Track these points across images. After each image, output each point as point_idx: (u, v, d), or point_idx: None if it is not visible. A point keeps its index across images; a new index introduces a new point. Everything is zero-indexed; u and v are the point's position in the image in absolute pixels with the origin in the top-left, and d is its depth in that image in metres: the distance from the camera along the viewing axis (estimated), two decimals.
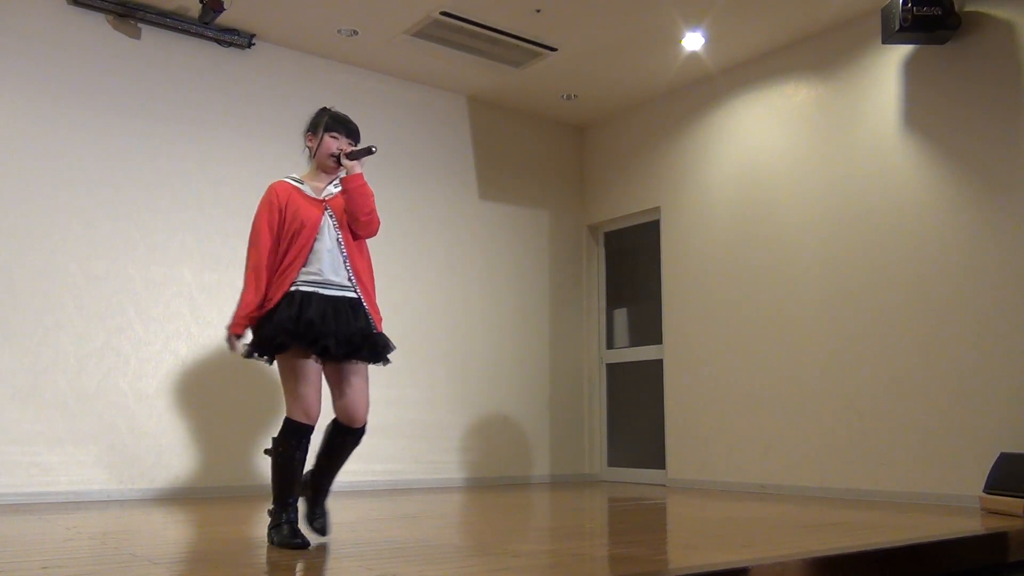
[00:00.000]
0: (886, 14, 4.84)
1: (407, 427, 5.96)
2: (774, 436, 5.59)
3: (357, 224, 3.11)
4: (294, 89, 5.87)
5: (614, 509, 4.91)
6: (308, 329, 2.94)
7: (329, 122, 3.17)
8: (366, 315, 3.08)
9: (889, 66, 5.20)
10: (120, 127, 5.23)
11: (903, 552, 2.93)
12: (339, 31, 5.63)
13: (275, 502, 3.01)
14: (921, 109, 5.05)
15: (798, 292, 5.56)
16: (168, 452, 5.13)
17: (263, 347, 3.00)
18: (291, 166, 5.78)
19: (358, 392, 3.10)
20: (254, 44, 5.70)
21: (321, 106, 3.29)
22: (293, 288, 3.01)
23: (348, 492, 5.32)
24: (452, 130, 6.61)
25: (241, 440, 5.37)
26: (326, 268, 3.04)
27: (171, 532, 3.80)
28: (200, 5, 5.11)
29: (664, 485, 6.24)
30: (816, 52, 5.62)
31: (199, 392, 5.29)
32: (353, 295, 3.09)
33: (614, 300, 7.13)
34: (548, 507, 5.03)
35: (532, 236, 6.91)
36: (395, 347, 3.17)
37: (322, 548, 3.02)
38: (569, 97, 6.71)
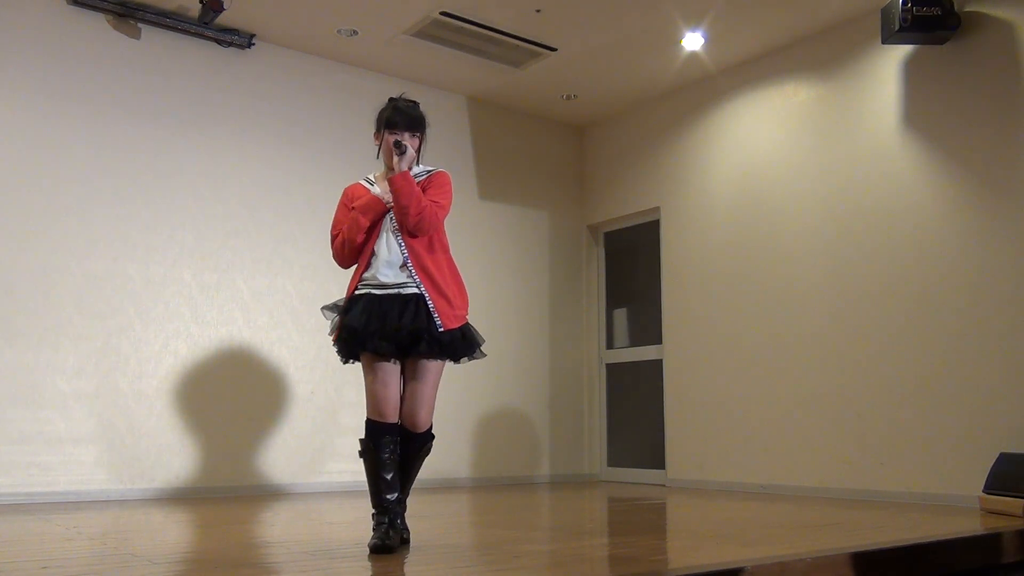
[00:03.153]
0: (886, 14, 4.84)
1: None
2: (774, 436, 5.59)
3: (404, 226, 2.98)
4: (294, 89, 5.87)
5: (614, 509, 4.91)
6: (351, 335, 2.93)
7: (390, 117, 3.05)
8: (428, 312, 2.94)
9: (889, 66, 5.20)
10: (120, 127, 5.23)
11: (903, 552, 2.93)
12: (339, 31, 5.63)
13: (373, 506, 2.97)
14: (921, 109, 5.05)
15: (797, 292, 5.56)
16: (168, 452, 5.13)
17: (340, 351, 3.05)
18: (292, 166, 5.84)
19: (418, 396, 3.02)
20: (254, 44, 5.70)
21: (390, 97, 3.16)
22: (355, 292, 3.02)
23: (348, 492, 5.32)
24: (452, 130, 6.61)
25: (241, 440, 5.37)
26: (382, 268, 2.97)
27: (171, 532, 3.80)
28: (200, 5, 5.11)
29: (664, 485, 6.24)
30: (816, 52, 5.62)
31: (199, 392, 5.29)
32: (414, 291, 2.96)
33: (614, 300, 7.13)
34: (548, 507, 5.03)
35: (532, 236, 6.91)
36: (482, 341, 3.12)
37: (322, 549, 3.02)
38: (569, 97, 6.71)
